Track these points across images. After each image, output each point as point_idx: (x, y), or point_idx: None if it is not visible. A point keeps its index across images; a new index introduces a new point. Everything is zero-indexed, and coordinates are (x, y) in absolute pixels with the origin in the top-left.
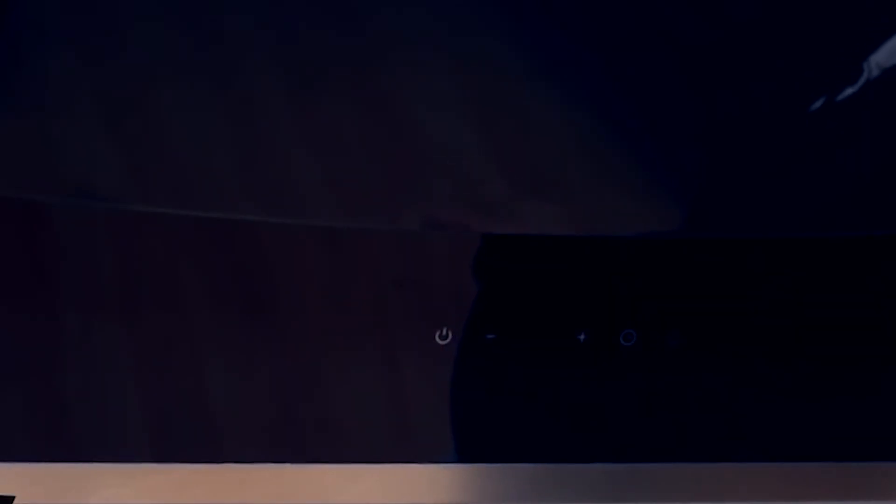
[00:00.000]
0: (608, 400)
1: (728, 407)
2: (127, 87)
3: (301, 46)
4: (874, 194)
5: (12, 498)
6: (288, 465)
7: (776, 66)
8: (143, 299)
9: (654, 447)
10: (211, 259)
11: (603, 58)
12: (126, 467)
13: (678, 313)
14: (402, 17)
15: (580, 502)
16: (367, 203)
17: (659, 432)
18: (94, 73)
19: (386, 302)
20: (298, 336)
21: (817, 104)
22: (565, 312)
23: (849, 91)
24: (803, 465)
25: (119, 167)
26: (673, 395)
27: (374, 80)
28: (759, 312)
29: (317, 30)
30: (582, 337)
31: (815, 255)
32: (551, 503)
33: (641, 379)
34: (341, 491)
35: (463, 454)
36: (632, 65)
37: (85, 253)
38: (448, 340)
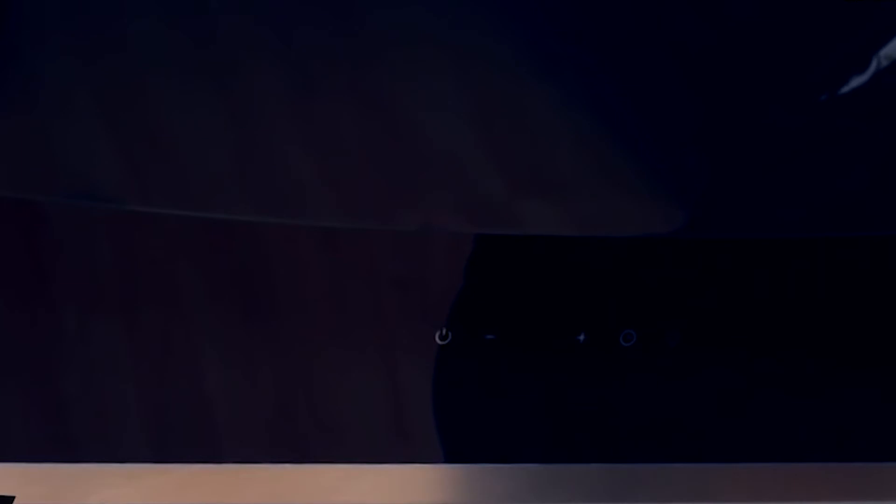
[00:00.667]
0: (608, 400)
1: (728, 407)
2: (126, 87)
3: (301, 46)
4: (874, 195)
5: (12, 498)
6: (288, 465)
7: (776, 67)
8: (143, 299)
9: (653, 447)
10: (211, 259)
11: (603, 57)
12: (126, 467)
13: (678, 313)
14: (401, 16)
15: (580, 502)
16: (367, 203)
17: (659, 432)
18: (94, 72)
19: (386, 302)
20: (298, 336)
21: (816, 104)
22: (565, 312)
23: (848, 91)
24: (803, 465)
25: (119, 167)
26: (672, 396)
27: (374, 80)
28: (759, 313)
29: (316, 29)
30: (581, 337)
31: (815, 256)
32: (551, 503)
33: (641, 379)
34: (341, 491)
35: (462, 454)
36: (631, 64)
37: (85, 253)
38: (448, 340)
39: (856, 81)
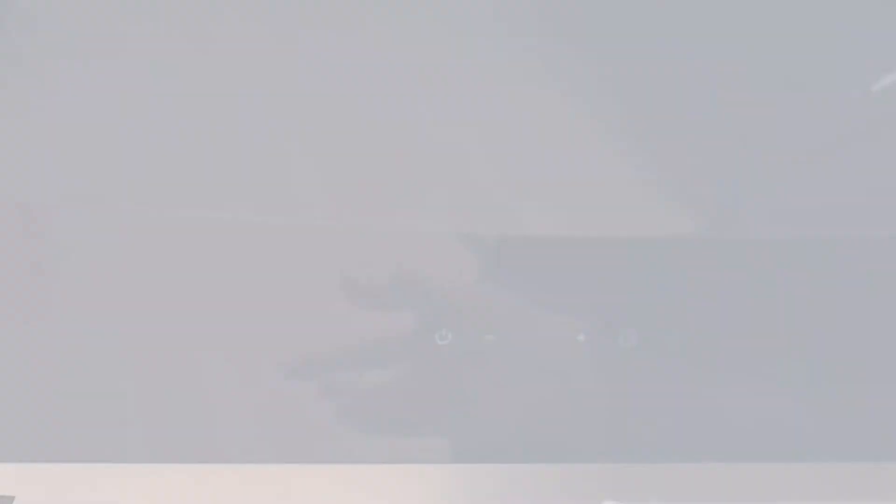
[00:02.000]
0: (607, 400)
1: (728, 407)
2: (126, 86)
3: (300, 45)
4: (875, 195)
5: (12, 498)
6: (288, 465)
7: (776, 66)
8: (143, 299)
9: (653, 447)
10: (211, 259)
11: (603, 57)
12: (126, 467)
13: (678, 313)
14: (401, 15)
15: (580, 502)
16: (367, 203)
17: (659, 432)
18: (94, 72)
19: (386, 302)
20: (298, 336)
21: (816, 104)
22: (565, 312)
23: (851, 91)
24: (803, 465)
25: (120, 168)
26: (672, 396)
27: (374, 80)
28: (760, 313)
29: (316, 29)
30: (581, 337)
31: (815, 256)
32: (551, 503)
33: (641, 379)
34: (341, 491)
35: (463, 454)
36: (633, 64)
37: (85, 253)
38: (448, 341)
39: (855, 81)
